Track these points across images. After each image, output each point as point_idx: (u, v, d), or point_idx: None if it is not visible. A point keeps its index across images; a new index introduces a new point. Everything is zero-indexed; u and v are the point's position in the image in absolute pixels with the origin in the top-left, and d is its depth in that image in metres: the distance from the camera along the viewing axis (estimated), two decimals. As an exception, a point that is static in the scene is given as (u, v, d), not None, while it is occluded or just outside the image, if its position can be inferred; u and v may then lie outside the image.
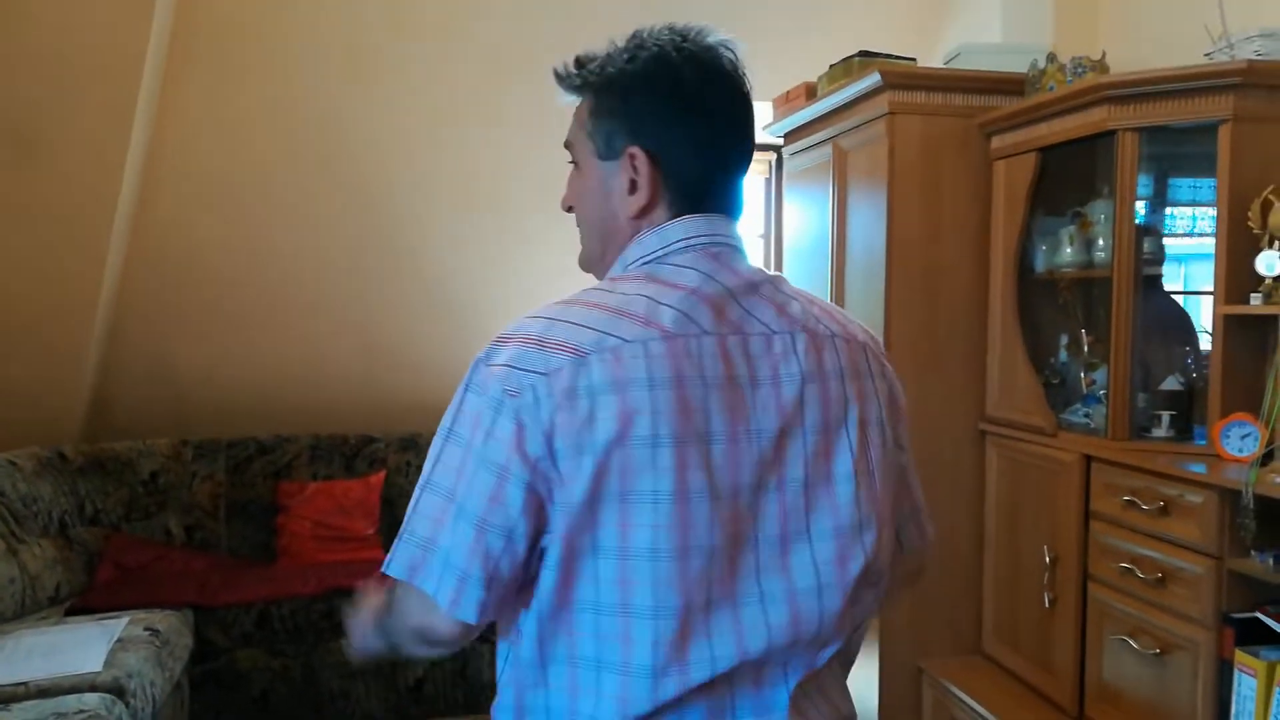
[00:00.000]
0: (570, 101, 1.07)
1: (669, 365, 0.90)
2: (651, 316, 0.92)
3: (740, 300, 0.97)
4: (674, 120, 0.99)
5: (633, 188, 1.00)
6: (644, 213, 1.00)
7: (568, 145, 1.08)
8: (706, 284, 0.96)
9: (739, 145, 1.04)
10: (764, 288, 0.99)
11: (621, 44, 1.03)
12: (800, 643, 0.95)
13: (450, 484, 0.91)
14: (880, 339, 1.12)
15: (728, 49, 1.03)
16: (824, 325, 1.01)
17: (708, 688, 0.91)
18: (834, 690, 1.03)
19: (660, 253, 0.99)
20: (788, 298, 1.01)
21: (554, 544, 0.89)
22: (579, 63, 1.05)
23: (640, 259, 1.00)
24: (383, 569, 0.95)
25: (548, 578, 0.91)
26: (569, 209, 1.09)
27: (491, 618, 0.93)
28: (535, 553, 0.91)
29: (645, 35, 1.03)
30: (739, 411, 0.92)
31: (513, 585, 0.92)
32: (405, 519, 0.94)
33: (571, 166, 1.08)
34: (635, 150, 0.99)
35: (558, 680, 0.93)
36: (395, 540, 0.95)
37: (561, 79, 1.06)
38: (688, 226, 0.99)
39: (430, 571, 0.91)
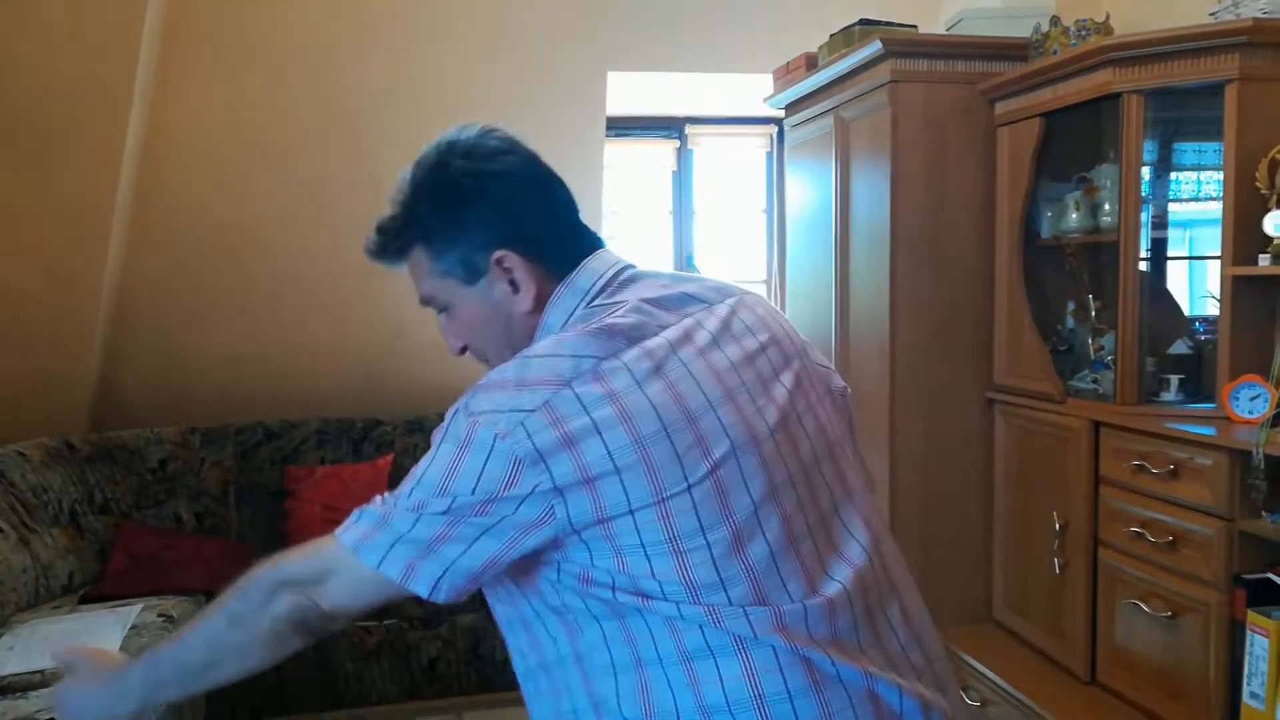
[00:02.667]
0: (401, 268, 1.10)
1: (646, 363, 0.94)
2: (613, 333, 0.96)
3: (679, 293, 1.04)
4: (510, 204, 1.04)
5: (515, 287, 1.04)
6: (537, 299, 1.05)
7: (427, 301, 1.10)
8: (638, 296, 1.02)
9: (563, 187, 1.10)
10: (685, 280, 1.07)
11: (405, 191, 1.07)
12: (860, 562, 1.02)
13: (436, 512, 0.93)
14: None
15: (474, 131, 1.08)
16: (734, 292, 1.11)
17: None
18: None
19: (581, 303, 1.03)
20: (703, 279, 1.10)
21: (580, 555, 0.92)
22: (385, 229, 1.08)
23: (566, 315, 1.03)
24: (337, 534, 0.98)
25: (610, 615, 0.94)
26: (463, 350, 1.11)
27: (449, 599, 0.95)
28: (529, 560, 0.94)
29: (420, 169, 1.07)
30: (721, 375, 0.98)
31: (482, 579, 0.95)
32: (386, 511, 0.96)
33: (442, 316, 1.10)
34: (500, 254, 1.03)
35: (676, 676, 0.93)
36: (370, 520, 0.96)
37: (384, 251, 1.09)
38: (589, 273, 1.05)
39: (377, 544, 0.95)
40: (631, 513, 0.90)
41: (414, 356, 3.91)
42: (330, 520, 3.86)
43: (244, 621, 1.04)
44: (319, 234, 3.65)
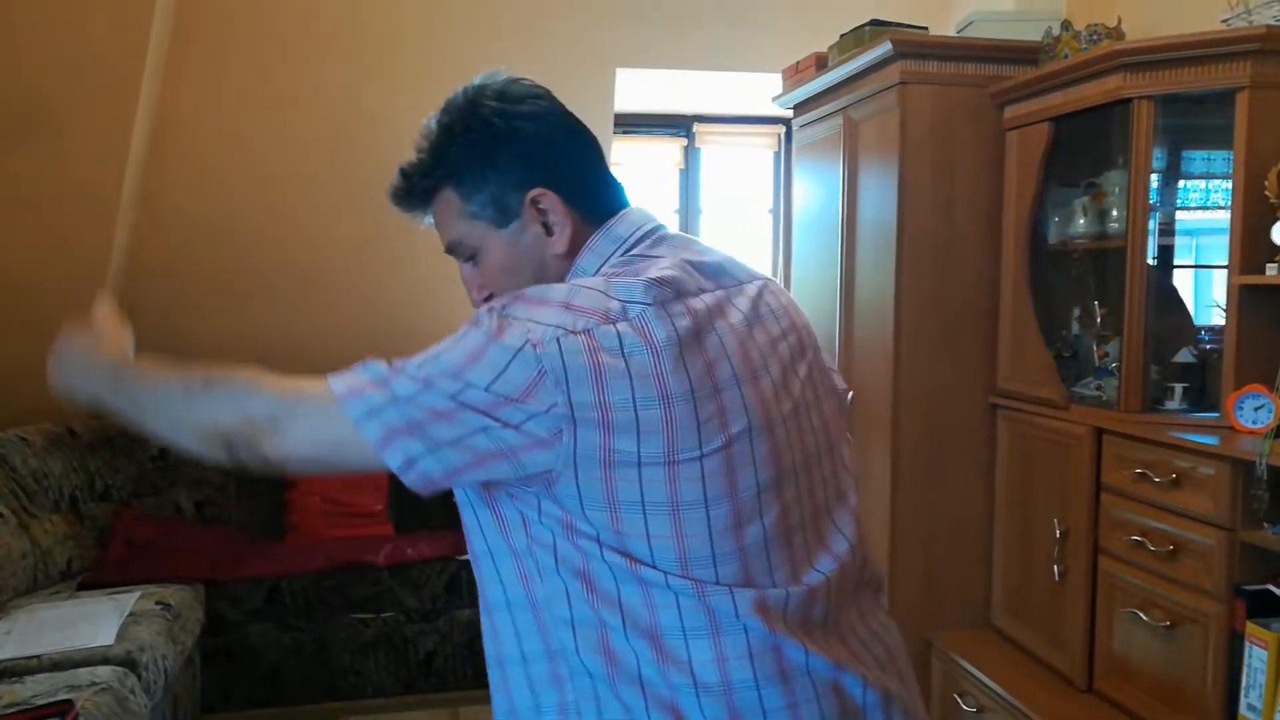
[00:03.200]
0: (425, 216, 1.07)
1: (688, 322, 0.92)
2: (663, 284, 0.93)
3: (713, 261, 1.02)
4: (544, 144, 1.02)
5: (548, 229, 1.02)
6: (572, 243, 1.02)
7: (453, 248, 1.06)
8: (681, 260, 0.99)
9: (595, 140, 1.08)
10: (717, 252, 1.06)
11: (434, 133, 1.04)
12: (843, 557, 1.03)
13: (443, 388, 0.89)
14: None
15: (503, 77, 1.07)
16: (760, 275, 1.09)
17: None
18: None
19: (617, 251, 1.01)
20: (732, 258, 1.08)
21: (568, 489, 0.89)
22: (412, 171, 1.05)
23: (603, 261, 1.01)
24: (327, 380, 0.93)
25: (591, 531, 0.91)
26: (488, 298, 1.05)
27: (425, 487, 0.92)
28: (513, 478, 0.91)
29: (449, 111, 1.04)
30: (748, 353, 0.97)
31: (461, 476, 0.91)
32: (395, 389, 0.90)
33: (467, 265, 1.07)
34: (536, 192, 1.01)
35: (645, 651, 0.92)
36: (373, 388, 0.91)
37: (410, 194, 1.05)
38: (628, 223, 1.03)
39: (372, 403, 0.90)
40: (639, 465, 0.88)
41: (416, 347, 3.90)
42: (329, 513, 3.89)
43: (193, 405, 0.98)
44: (326, 221, 3.65)
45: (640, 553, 0.90)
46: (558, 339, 0.87)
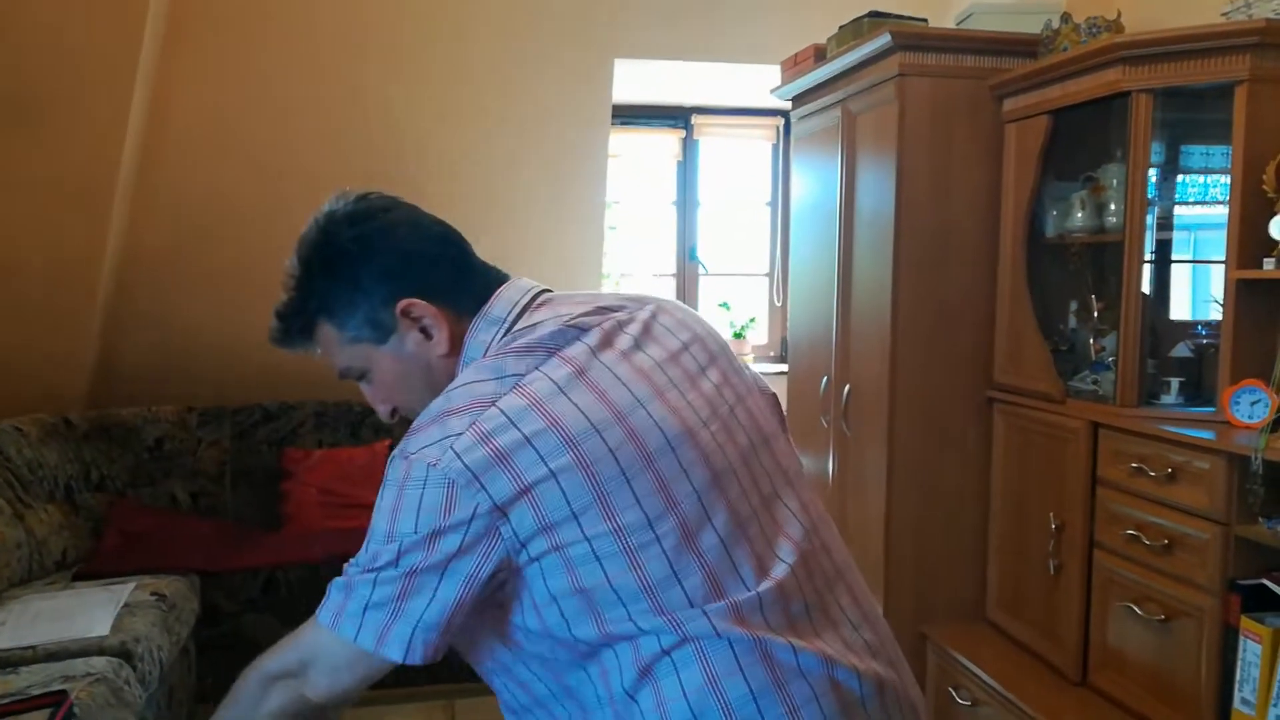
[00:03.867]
0: (313, 350, 1.10)
1: (567, 369, 0.95)
2: (531, 349, 0.97)
3: (595, 306, 1.04)
4: (401, 254, 1.04)
5: (427, 334, 1.04)
6: (452, 340, 1.05)
7: (345, 374, 1.10)
8: (559, 319, 1.01)
9: (454, 233, 1.10)
10: (600, 295, 1.09)
11: (297, 271, 1.06)
12: (803, 541, 1.04)
13: (385, 570, 0.92)
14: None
15: (350, 198, 1.09)
16: (652, 299, 1.12)
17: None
18: None
19: (501, 331, 1.03)
20: (618, 293, 1.12)
21: (533, 576, 0.91)
22: (285, 313, 1.07)
23: (486, 348, 1.03)
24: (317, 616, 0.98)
25: (546, 607, 0.92)
26: (393, 412, 1.11)
27: (425, 659, 0.94)
28: (490, 597, 0.93)
29: (305, 246, 1.07)
30: (647, 373, 0.99)
31: (451, 631, 0.94)
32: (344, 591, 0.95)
33: (364, 385, 1.11)
34: (404, 304, 1.03)
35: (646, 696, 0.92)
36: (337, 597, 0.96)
37: (289, 333, 1.08)
38: (504, 302, 1.05)
39: (348, 614, 0.94)
40: (575, 516, 0.89)
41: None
42: (325, 503, 3.88)
43: None
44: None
45: (608, 606, 0.90)
46: (450, 447, 0.90)
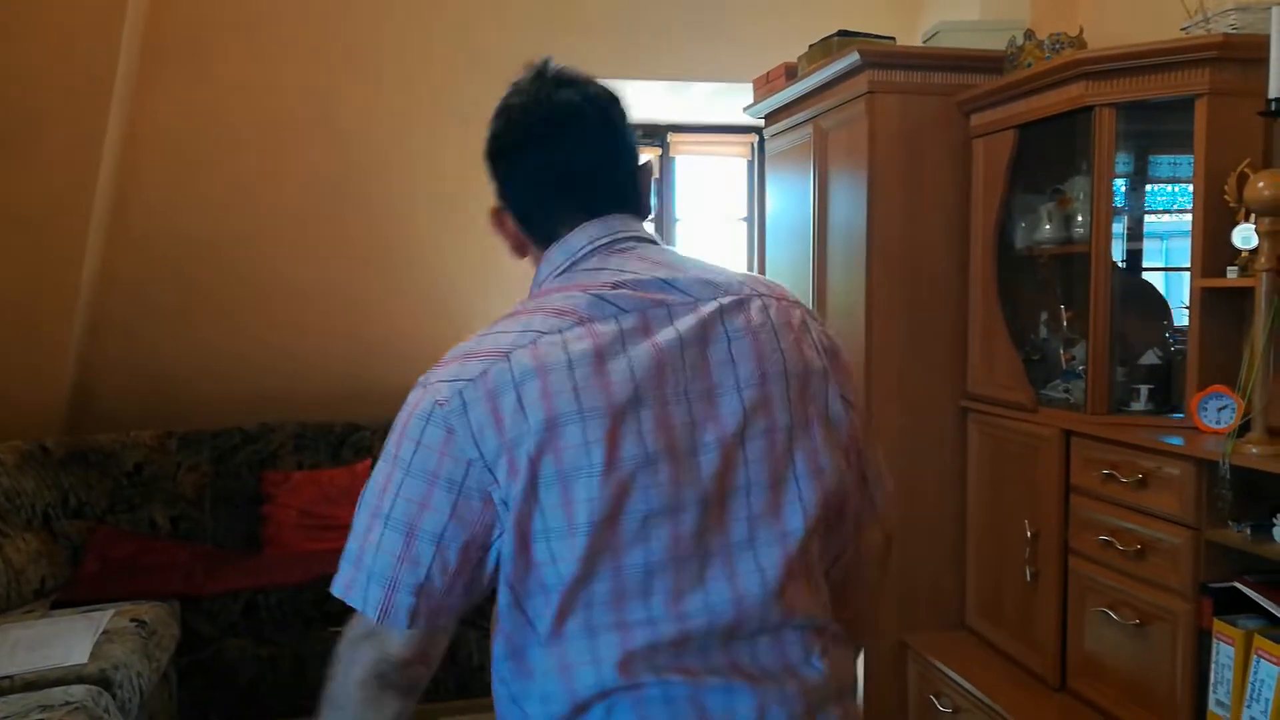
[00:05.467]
0: None
1: (587, 344, 0.92)
2: (565, 308, 0.95)
3: (659, 278, 0.98)
4: (492, 163, 1.06)
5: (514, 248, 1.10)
6: (519, 252, 1.10)
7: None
8: (620, 275, 0.98)
9: (592, 150, 1.05)
10: (685, 265, 1.02)
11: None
12: (749, 599, 0.94)
13: (379, 500, 0.93)
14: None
15: (552, 71, 1.05)
16: (749, 288, 1.02)
17: (671, 652, 0.91)
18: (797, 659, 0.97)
19: (567, 263, 1.02)
20: (711, 270, 1.03)
21: (506, 540, 0.91)
22: None
23: (551, 273, 1.03)
24: (330, 590, 0.97)
25: (506, 569, 0.93)
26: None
27: (428, 625, 0.94)
28: (481, 560, 0.93)
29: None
30: (664, 376, 0.93)
31: (451, 594, 0.93)
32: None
33: None
34: (493, 206, 1.09)
35: (541, 663, 0.93)
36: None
37: None
38: (588, 232, 1.03)
39: (358, 585, 0.94)
40: (539, 494, 0.90)
41: (393, 361, 3.90)
42: (306, 525, 3.86)
43: (337, 700, 0.99)
44: (299, 235, 3.65)
45: (549, 577, 0.91)
46: (460, 392, 0.91)
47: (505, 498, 0.90)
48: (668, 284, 0.98)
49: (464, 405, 0.90)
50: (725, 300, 0.99)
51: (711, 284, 1.00)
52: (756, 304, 1.01)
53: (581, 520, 0.89)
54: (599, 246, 1.02)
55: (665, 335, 0.95)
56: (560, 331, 0.93)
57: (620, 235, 1.04)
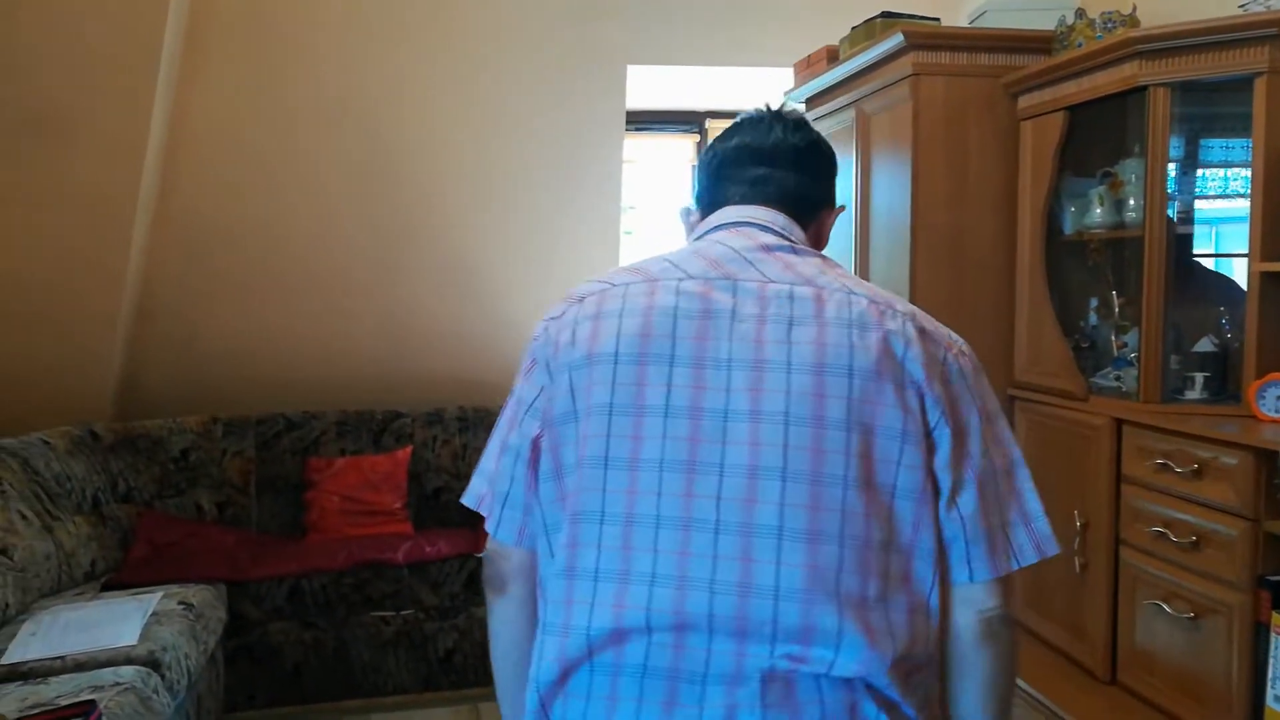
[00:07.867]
0: None
1: (643, 300, 1.00)
2: (643, 268, 1.06)
3: (746, 256, 1.03)
4: (698, 175, 1.21)
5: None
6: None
7: None
8: (717, 248, 1.06)
9: (752, 158, 1.13)
10: (779, 251, 1.04)
11: None
12: (752, 587, 0.90)
13: (500, 423, 1.09)
14: (960, 340, 1.14)
15: (774, 110, 1.16)
16: (842, 285, 1.01)
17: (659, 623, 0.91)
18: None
19: (699, 234, 1.13)
20: (806, 263, 1.03)
21: (546, 459, 1.01)
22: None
23: (691, 239, 1.16)
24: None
25: (546, 491, 1.02)
26: None
27: (519, 540, 1.05)
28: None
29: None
30: (707, 341, 0.97)
31: (531, 508, 1.03)
32: None
33: None
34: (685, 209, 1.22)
35: (553, 593, 0.99)
36: None
37: None
38: (723, 214, 1.12)
39: (476, 493, 1.09)
40: (557, 422, 1.01)
41: (433, 349, 3.92)
42: (348, 511, 3.91)
43: (492, 608, 1.12)
44: (341, 225, 3.67)
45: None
46: (546, 328, 1.06)
47: (550, 415, 1.01)
48: (750, 264, 1.03)
49: (546, 339, 1.05)
50: (801, 288, 1.00)
51: (795, 273, 1.01)
52: (838, 298, 0.99)
53: (595, 454, 0.96)
54: (725, 224, 1.10)
55: (718, 304, 0.99)
56: (627, 284, 1.03)
57: (745, 219, 1.09)
